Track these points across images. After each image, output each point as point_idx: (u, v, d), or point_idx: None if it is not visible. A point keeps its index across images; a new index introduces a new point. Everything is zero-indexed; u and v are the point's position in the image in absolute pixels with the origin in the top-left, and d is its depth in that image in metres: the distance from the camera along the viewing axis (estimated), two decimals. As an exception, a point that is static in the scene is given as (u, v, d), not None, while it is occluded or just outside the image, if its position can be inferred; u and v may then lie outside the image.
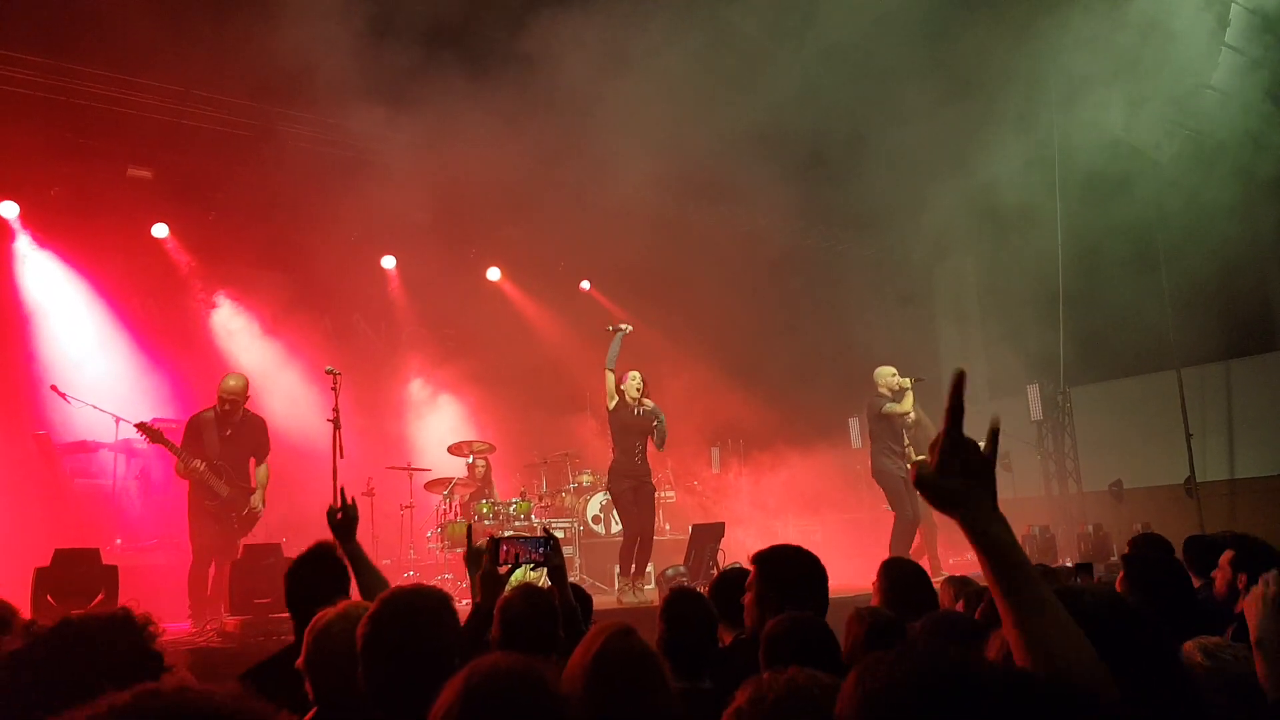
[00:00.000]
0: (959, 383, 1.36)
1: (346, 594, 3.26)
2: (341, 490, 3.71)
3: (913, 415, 9.87)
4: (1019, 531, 5.67)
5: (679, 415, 11.97)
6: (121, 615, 1.73)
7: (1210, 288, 11.01)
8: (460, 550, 9.10)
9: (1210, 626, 2.95)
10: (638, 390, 8.31)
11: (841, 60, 8.66)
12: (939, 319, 14.64)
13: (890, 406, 9.54)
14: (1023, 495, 12.63)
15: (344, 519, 3.61)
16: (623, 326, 8.34)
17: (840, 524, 10.99)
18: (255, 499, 7.49)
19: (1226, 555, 4.08)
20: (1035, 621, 1.28)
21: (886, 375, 8.88)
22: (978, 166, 10.61)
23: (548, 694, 1.61)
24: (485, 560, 3.47)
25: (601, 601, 7.65)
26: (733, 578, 3.86)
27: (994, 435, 1.38)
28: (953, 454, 1.34)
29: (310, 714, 2.46)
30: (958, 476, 1.34)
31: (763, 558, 3.28)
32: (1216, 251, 10.58)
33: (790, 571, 3.21)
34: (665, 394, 11.41)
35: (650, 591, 8.37)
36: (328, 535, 3.65)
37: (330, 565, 3.37)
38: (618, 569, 8.33)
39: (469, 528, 4.13)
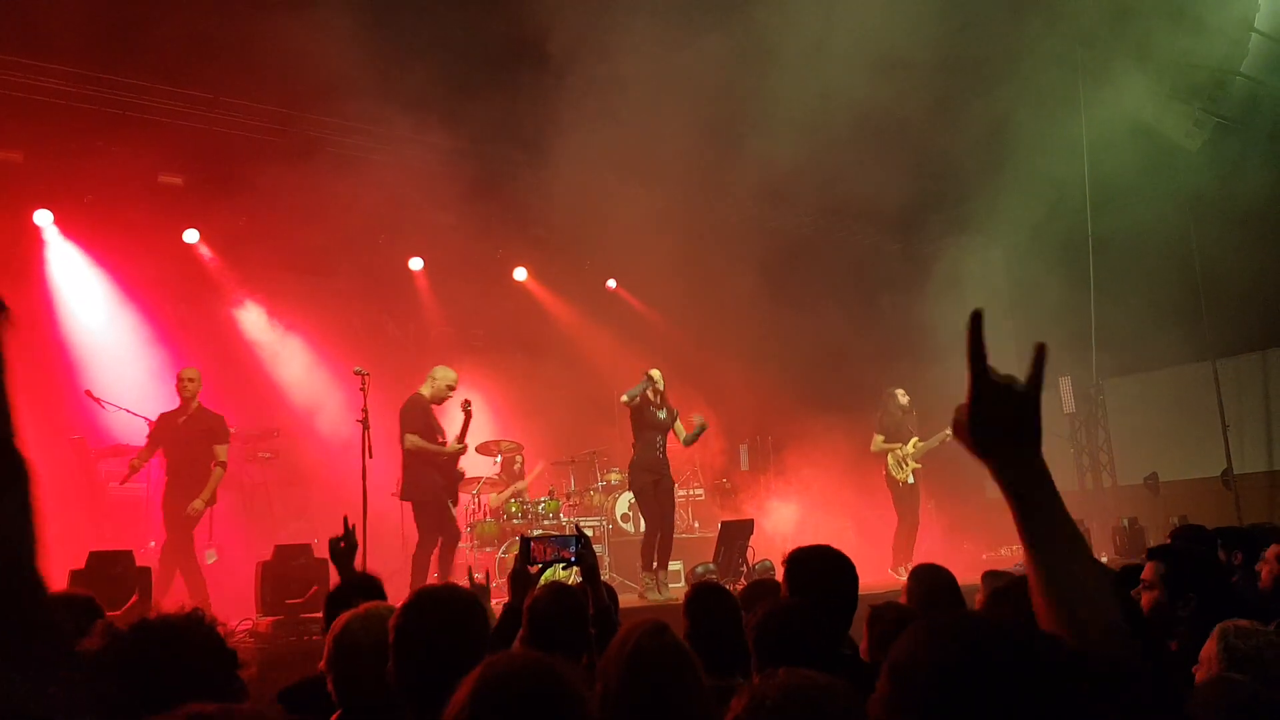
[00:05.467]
0: (976, 325, 1.25)
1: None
2: (345, 519, 3.73)
3: (905, 400, 10.08)
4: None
5: (706, 413, 11.94)
6: (195, 615, 1.75)
7: (1245, 277, 10.83)
8: (490, 550, 9.15)
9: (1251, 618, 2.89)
10: (660, 387, 8.41)
11: (864, 50, 8.59)
12: (969, 312, 14.48)
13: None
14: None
15: (346, 548, 3.63)
16: (655, 377, 8.37)
17: (873, 520, 10.89)
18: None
19: (1274, 549, 4.02)
20: (1058, 580, 1.21)
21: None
22: (1006, 156, 10.49)
23: (561, 690, 1.60)
24: (515, 559, 3.47)
25: (628, 600, 7.66)
26: (766, 583, 3.87)
27: (1038, 362, 1.27)
28: (982, 402, 1.24)
29: (335, 715, 2.48)
30: (990, 424, 1.24)
31: (791, 558, 3.30)
32: (1250, 240, 10.41)
33: (817, 570, 3.22)
34: (693, 392, 11.40)
35: (677, 589, 8.36)
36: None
37: (370, 594, 3.38)
38: (641, 565, 8.37)
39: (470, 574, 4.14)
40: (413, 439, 7.78)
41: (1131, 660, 1.19)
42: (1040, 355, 1.27)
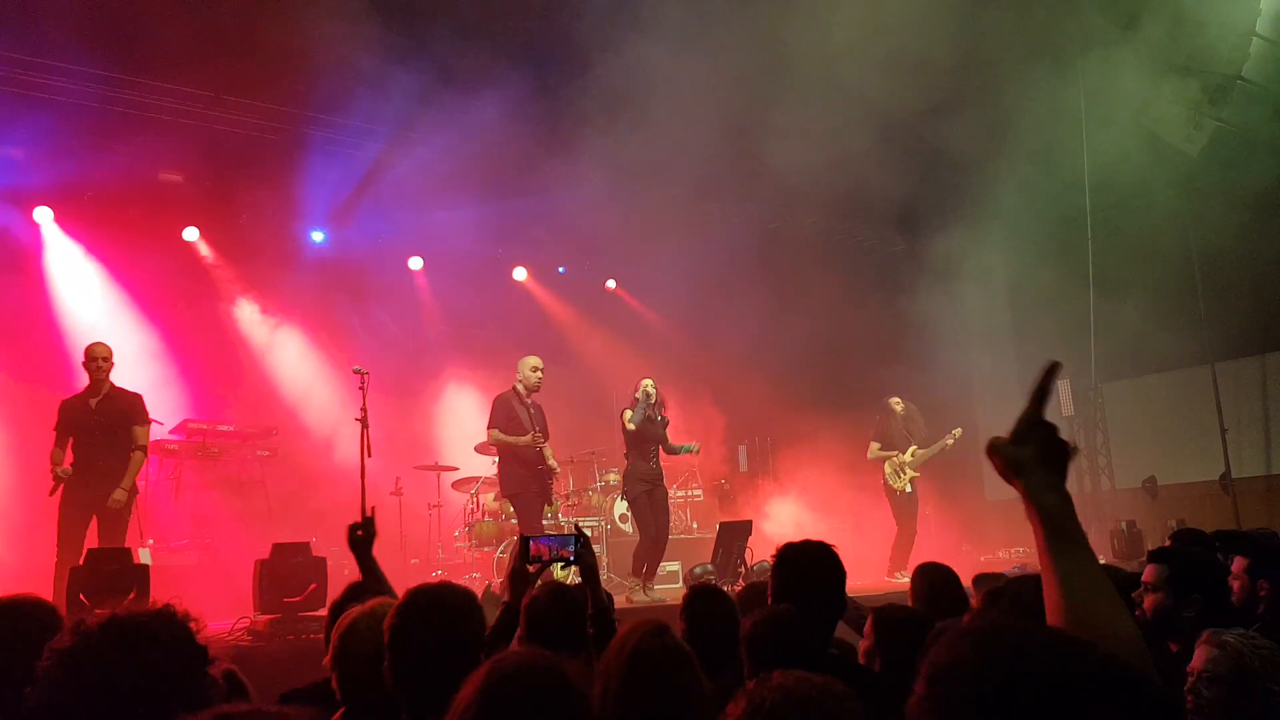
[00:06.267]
0: (1052, 370, 1.42)
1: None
2: (372, 509, 3.70)
3: (901, 408, 10.09)
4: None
5: (705, 414, 11.97)
6: (166, 611, 1.76)
7: (1244, 281, 10.85)
8: (488, 549, 9.14)
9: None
10: (654, 398, 8.39)
11: (865, 50, 8.59)
12: (969, 315, 14.50)
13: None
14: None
15: (365, 535, 3.61)
16: (650, 391, 8.35)
17: (872, 522, 10.90)
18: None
19: (1239, 563, 3.79)
20: (1076, 589, 1.30)
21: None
22: (1005, 160, 10.49)
23: (568, 689, 1.62)
24: (513, 558, 3.46)
25: (617, 602, 7.66)
26: (762, 586, 3.87)
27: (1072, 447, 1.40)
28: (1030, 429, 1.38)
29: (339, 713, 2.48)
30: (1028, 449, 1.36)
31: (780, 555, 3.27)
32: (1249, 244, 10.42)
33: (805, 568, 3.19)
34: (692, 393, 11.41)
35: (661, 591, 8.36)
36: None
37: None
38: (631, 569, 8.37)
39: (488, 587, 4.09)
40: (492, 432, 8.17)
41: (1145, 668, 1.23)
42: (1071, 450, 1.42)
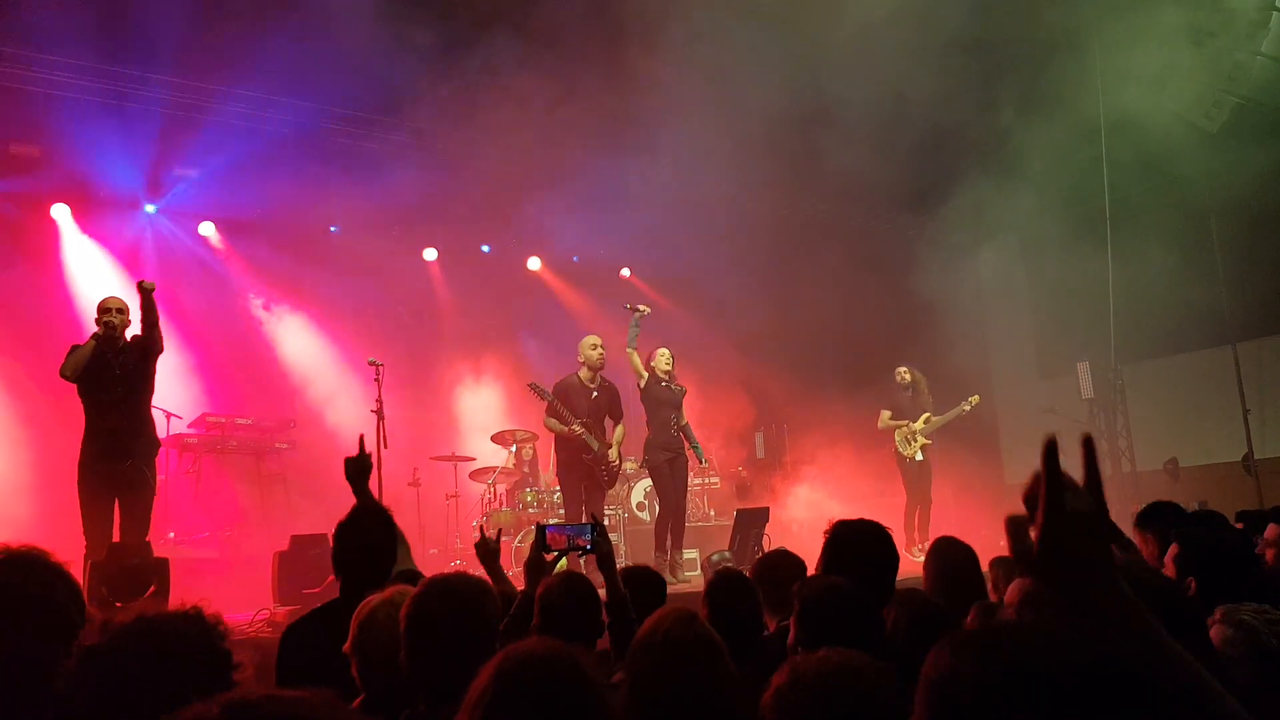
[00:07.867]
0: (1052, 455, 1.13)
1: (394, 552, 3.30)
2: (361, 438, 3.77)
3: (908, 377, 10.01)
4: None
5: (723, 400, 11.94)
6: (194, 613, 1.76)
7: (1265, 260, 10.71)
8: (507, 539, 9.15)
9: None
10: (668, 365, 8.49)
11: (880, 34, 8.51)
12: (986, 298, 14.40)
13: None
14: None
15: (360, 465, 3.68)
16: (641, 308, 8.53)
17: (890, 506, 10.86)
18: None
19: (1273, 529, 3.89)
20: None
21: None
22: (1022, 141, 10.39)
23: (582, 679, 1.62)
24: (531, 547, 3.47)
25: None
26: (776, 562, 3.75)
27: (1090, 457, 1.16)
28: (1055, 541, 1.14)
29: (358, 700, 2.49)
30: (1067, 561, 1.15)
31: (833, 532, 3.07)
32: (1271, 222, 10.30)
33: (859, 548, 2.99)
34: (708, 379, 11.38)
35: (693, 578, 8.36)
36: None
37: (377, 522, 3.37)
38: (655, 547, 8.37)
39: (480, 528, 4.13)
40: (547, 420, 8.33)
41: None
42: (1090, 449, 1.19)
